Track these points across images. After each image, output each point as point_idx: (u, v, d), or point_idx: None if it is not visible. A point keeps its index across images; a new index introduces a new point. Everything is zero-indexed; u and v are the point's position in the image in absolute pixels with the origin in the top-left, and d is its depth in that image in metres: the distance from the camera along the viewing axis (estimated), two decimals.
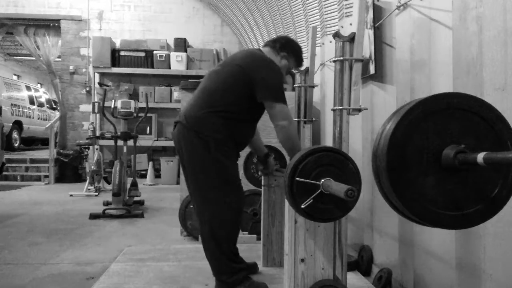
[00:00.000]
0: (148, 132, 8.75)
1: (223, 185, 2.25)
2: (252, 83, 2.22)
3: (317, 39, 4.06)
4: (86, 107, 9.03)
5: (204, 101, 2.28)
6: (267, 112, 2.26)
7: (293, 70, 2.70)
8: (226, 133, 2.24)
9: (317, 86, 3.31)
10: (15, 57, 16.73)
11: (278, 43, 2.44)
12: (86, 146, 7.88)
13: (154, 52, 8.58)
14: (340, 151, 1.57)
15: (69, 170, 8.12)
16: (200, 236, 2.41)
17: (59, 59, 9.29)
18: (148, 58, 8.59)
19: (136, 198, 5.53)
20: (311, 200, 1.47)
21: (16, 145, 9.65)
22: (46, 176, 7.98)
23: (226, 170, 2.25)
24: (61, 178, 8.09)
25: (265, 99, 2.22)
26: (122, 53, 8.58)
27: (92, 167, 6.88)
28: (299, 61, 2.51)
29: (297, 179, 1.47)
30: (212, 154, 2.21)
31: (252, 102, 2.26)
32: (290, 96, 2.69)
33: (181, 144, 2.30)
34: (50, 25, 9.24)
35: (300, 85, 2.79)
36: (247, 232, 3.64)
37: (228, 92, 2.26)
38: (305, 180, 1.47)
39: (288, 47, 2.44)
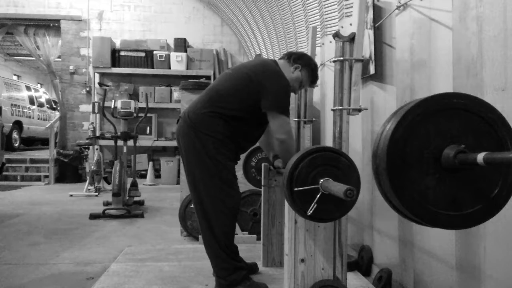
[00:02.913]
0: (148, 132, 8.75)
1: (218, 183, 2.27)
2: (259, 92, 2.24)
3: (317, 39, 4.06)
4: (86, 107, 9.03)
5: (208, 101, 2.31)
6: (269, 122, 2.26)
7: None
8: (225, 134, 2.27)
9: (317, 86, 3.32)
10: (15, 57, 16.74)
11: (293, 55, 2.46)
12: (86, 146, 7.88)
13: (154, 52, 8.58)
14: (332, 149, 1.55)
15: (69, 170, 8.11)
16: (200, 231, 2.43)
17: (59, 59, 9.30)
18: (148, 58, 8.59)
19: (136, 198, 5.53)
20: (316, 205, 1.46)
21: (16, 145, 9.65)
22: (46, 176, 7.98)
23: (222, 169, 2.27)
24: (61, 178, 8.08)
25: (268, 110, 2.23)
26: (122, 53, 8.58)
27: (92, 167, 6.88)
28: (313, 76, 2.47)
29: (296, 189, 1.46)
30: (209, 152, 2.24)
31: (256, 110, 2.27)
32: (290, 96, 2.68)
33: (180, 139, 2.35)
34: (50, 25, 9.25)
35: None
36: (247, 232, 3.64)
37: (234, 96, 2.29)
38: (304, 188, 1.46)
39: (302, 60, 2.43)
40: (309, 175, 1.47)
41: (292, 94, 2.64)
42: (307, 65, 2.43)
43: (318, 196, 1.46)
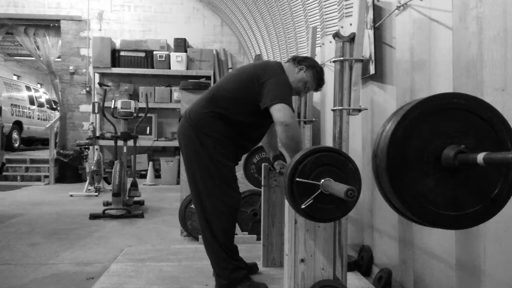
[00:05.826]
0: (148, 132, 8.76)
1: (218, 183, 2.27)
2: (259, 90, 2.22)
3: (317, 39, 4.06)
4: (86, 107, 9.03)
5: (209, 101, 2.32)
6: (272, 115, 2.17)
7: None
8: (225, 134, 2.28)
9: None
10: (15, 58, 16.73)
11: (298, 58, 2.47)
12: (86, 146, 7.88)
13: (154, 52, 8.58)
14: (341, 151, 1.57)
15: (69, 170, 8.11)
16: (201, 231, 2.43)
17: (59, 59, 9.30)
18: (148, 58, 8.60)
19: (136, 198, 5.53)
20: (311, 200, 1.47)
21: (16, 145, 9.66)
22: (46, 176, 7.98)
23: (222, 169, 2.27)
24: (61, 178, 8.08)
25: (269, 104, 2.16)
26: (122, 53, 8.58)
27: (92, 167, 6.88)
28: (318, 79, 2.44)
29: (297, 179, 1.47)
30: (209, 152, 2.25)
31: (256, 111, 2.26)
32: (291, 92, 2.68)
33: (181, 139, 2.36)
34: (50, 25, 9.25)
35: None
36: (247, 232, 3.64)
37: (235, 98, 2.29)
38: (305, 180, 1.47)
39: (306, 61, 2.44)
40: (313, 171, 1.48)
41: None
42: (311, 66, 2.43)
43: (317, 193, 1.46)
